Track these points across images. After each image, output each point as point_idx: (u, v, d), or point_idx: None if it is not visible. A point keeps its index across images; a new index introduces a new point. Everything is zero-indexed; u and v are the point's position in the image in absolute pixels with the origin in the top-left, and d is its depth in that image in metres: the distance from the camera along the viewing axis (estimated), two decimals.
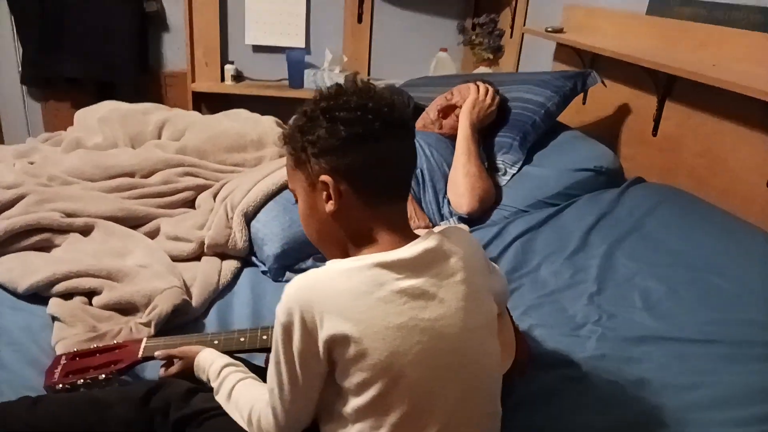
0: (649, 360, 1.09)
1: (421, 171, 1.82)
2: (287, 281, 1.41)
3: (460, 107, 1.94)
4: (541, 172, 1.86)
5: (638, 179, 1.76)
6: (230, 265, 1.48)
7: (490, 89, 1.95)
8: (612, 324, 1.20)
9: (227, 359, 1.01)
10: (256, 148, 1.89)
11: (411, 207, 1.68)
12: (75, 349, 1.11)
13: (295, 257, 1.52)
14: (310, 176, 0.85)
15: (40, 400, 0.98)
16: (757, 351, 1.03)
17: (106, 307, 1.25)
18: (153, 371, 1.12)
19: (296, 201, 0.92)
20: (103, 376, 1.05)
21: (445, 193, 1.81)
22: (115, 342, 1.12)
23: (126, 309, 1.26)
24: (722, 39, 1.66)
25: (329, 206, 0.83)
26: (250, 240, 1.54)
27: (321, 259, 1.50)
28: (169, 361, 1.07)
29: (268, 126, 1.98)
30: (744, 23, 1.63)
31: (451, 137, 1.94)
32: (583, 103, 2.33)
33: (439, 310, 0.79)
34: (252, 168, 1.83)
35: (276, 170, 1.68)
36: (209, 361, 1.01)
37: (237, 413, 0.92)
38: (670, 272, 1.29)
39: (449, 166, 1.85)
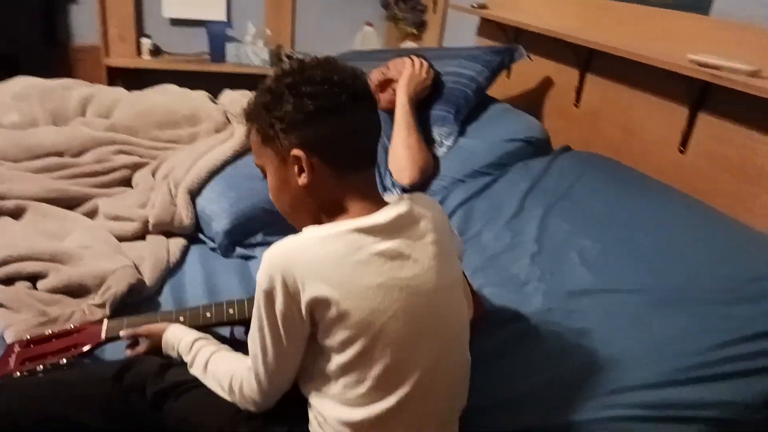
0: (590, 311, 1.19)
1: None
2: (239, 257, 1.43)
3: (396, 81, 1.98)
4: (474, 144, 1.93)
5: (566, 148, 1.88)
6: (178, 243, 1.46)
7: (425, 63, 2.00)
8: (554, 280, 1.30)
9: (197, 333, 1.01)
10: (190, 123, 1.85)
11: None
12: (27, 336, 1.07)
13: (244, 233, 1.52)
14: (280, 151, 0.86)
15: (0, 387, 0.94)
16: (685, 295, 1.16)
17: (54, 290, 1.21)
18: (113, 353, 1.10)
19: (264, 176, 0.93)
20: (65, 360, 1.02)
21: (387, 165, 1.85)
22: (71, 326, 1.09)
23: (76, 291, 1.22)
24: (639, 17, 1.80)
25: (302, 179, 0.85)
26: (196, 217, 1.52)
27: (270, 234, 1.53)
28: (134, 340, 1.06)
29: (200, 101, 1.93)
30: (659, 2, 1.76)
31: (388, 111, 1.98)
32: (508, 77, 2.43)
33: (414, 269, 0.84)
34: (188, 144, 1.79)
35: (217, 146, 1.66)
36: (178, 337, 1.00)
37: (215, 384, 0.93)
38: (601, 231, 1.40)
39: (389, 140, 1.89)
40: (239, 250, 1.49)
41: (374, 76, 2.03)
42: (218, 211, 1.50)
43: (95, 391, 0.94)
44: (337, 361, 0.82)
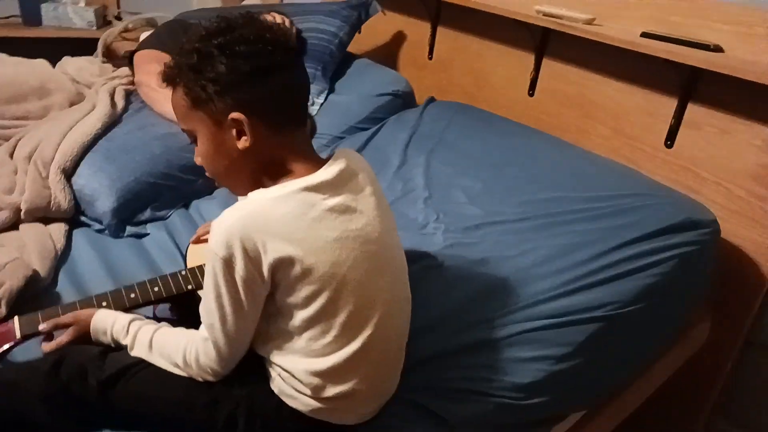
0: (485, 241, 1.34)
1: None
2: (130, 236, 1.37)
3: None
4: (346, 100, 1.98)
5: (432, 99, 2.01)
6: (59, 229, 1.35)
7: (286, 20, 1.98)
8: (449, 219, 1.42)
9: (130, 315, 0.97)
10: (39, 96, 1.66)
11: None
12: None
13: (131, 209, 1.44)
14: (214, 114, 0.85)
15: None
16: (559, 218, 1.35)
17: None
18: (22, 353, 1.01)
19: (192, 141, 0.91)
20: None
21: None
22: None
23: None
24: None
25: (242, 143, 0.85)
26: (75, 198, 1.40)
27: (159, 208, 1.47)
28: (49, 334, 0.99)
29: (46, 70, 1.75)
30: None
31: None
32: (359, 33, 2.49)
33: (362, 219, 0.89)
34: (40, 119, 1.62)
35: (81, 119, 1.52)
36: (110, 321, 0.96)
37: (165, 361, 0.91)
38: (479, 170, 1.55)
39: None
40: (129, 229, 1.41)
41: None
42: (100, 188, 1.40)
43: (32, 387, 0.88)
44: (301, 316, 0.86)
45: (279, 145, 0.88)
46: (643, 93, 1.60)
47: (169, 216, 1.49)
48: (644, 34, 1.49)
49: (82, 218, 1.42)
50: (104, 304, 1.02)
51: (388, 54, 2.36)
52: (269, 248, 0.81)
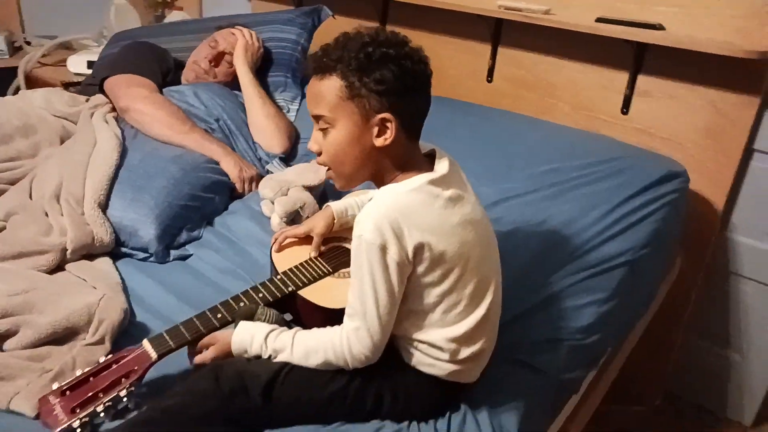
0: (509, 214, 1.49)
1: (225, 122, 1.84)
2: (175, 259, 1.39)
3: (229, 53, 1.98)
4: None
5: None
6: (108, 263, 1.34)
7: (253, 34, 2.03)
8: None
9: (264, 327, 1.03)
10: (25, 134, 1.59)
11: (235, 159, 1.72)
12: (53, 387, 0.95)
13: (171, 233, 1.45)
14: (365, 110, 0.94)
15: None
16: (566, 186, 1.53)
17: (35, 344, 1.04)
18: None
19: (324, 129, 0.98)
20: (124, 391, 0.96)
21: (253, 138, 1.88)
22: (99, 361, 0.99)
23: (63, 337, 1.07)
24: None
25: (381, 141, 0.96)
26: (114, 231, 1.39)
27: (192, 229, 1.51)
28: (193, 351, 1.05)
29: (22, 107, 1.66)
30: None
31: (227, 84, 1.98)
32: None
33: (469, 205, 1.03)
34: (35, 157, 1.55)
35: (91, 151, 1.50)
36: (248, 338, 1.02)
37: (313, 360, 0.99)
38: (475, 154, 1.71)
39: (244, 113, 1.91)
40: (173, 253, 1.43)
41: (203, 51, 1.99)
42: (139, 218, 1.40)
43: (209, 406, 0.92)
44: (435, 293, 0.98)
45: (406, 148, 0.99)
46: (598, 71, 1.85)
47: (202, 235, 1.51)
48: (599, 19, 1.74)
49: (123, 249, 1.40)
50: (219, 315, 1.07)
51: None
52: (411, 234, 0.93)
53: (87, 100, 1.80)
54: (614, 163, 1.59)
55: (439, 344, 1.00)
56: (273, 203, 1.54)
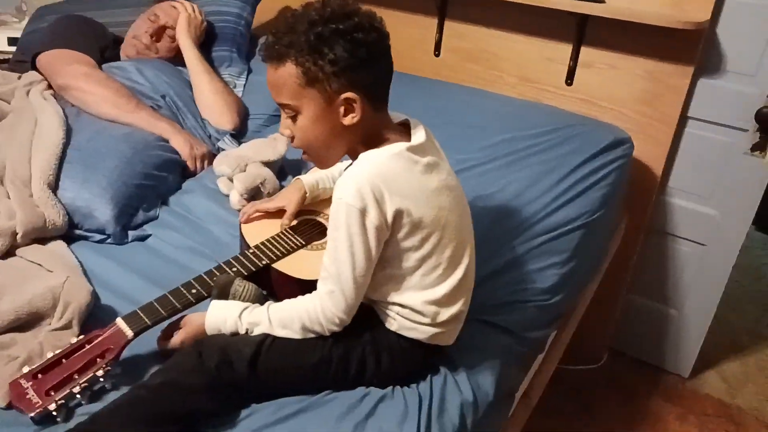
0: (467, 185, 1.49)
1: (171, 99, 1.77)
2: (134, 240, 1.35)
3: (171, 27, 1.90)
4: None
5: None
6: (62, 246, 1.27)
7: (195, 8, 1.95)
8: None
9: (237, 305, 1.03)
10: None
11: (185, 137, 1.67)
12: (23, 371, 0.91)
13: (128, 213, 1.40)
14: (326, 92, 0.93)
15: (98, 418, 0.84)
16: (520, 155, 1.58)
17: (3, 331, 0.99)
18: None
19: (289, 116, 0.97)
20: (101, 371, 0.93)
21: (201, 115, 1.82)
22: (71, 343, 0.95)
23: (26, 324, 1.01)
24: None
25: (349, 119, 0.95)
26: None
27: (147, 209, 1.47)
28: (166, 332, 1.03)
29: None
30: None
31: (169, 60, 1.91)
32: None
33: (444, 173, 1.04)
34: None
35: (34, 129, 1.41)
36: (222, 317, 1.01)
37: (288, 330, 0.99)
38: (438, 122, 1.74)
39: (190, 89, 1.84)
40: (131, 234, 1.37)
41: (143, 26, 1.90)
42: (93, 198, 1.33)
43: (196, 382, 0.91)
44: (414, 257, 0.99)
45: (377, 120, 0.99)
46: (542, 43, 1.91)
47: (158, 215, 1.46)
48: None
49: (77, 232, 1.33)
50: (193, 291, 1.05)
51: None
52: (391, 200, 0.94)
53: (19, 78, 1.69)
54: (564, 131, 1.66)
55: (419, 308, 1.02)
56: (231, 180, 1.51)
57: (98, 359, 0.94)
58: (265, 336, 0.99)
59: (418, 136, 1.02)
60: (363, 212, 0.92)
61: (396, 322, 1.04)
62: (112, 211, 1.34)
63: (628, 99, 1.81)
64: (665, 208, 1.94)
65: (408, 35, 2.15)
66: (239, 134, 1.85)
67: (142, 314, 1.00)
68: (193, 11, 1.93)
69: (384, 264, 1.00)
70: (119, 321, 0.99)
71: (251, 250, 1.15)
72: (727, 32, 1.68)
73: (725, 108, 1.74)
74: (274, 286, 1.15)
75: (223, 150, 1.76)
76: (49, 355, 0.94)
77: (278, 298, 1.08)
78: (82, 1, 2.17)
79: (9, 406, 0.91)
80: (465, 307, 1.08)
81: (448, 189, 1.03)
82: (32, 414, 0.88)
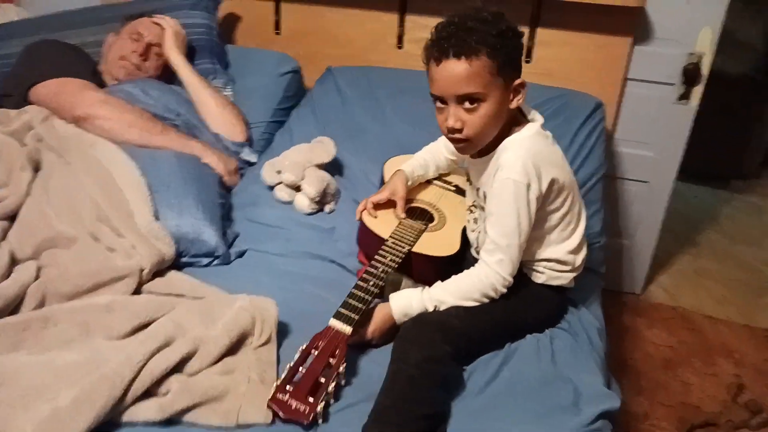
0: None
1: (185, 116, 1.74)
2: (236, 257, 1.38)
3: (156, 45, 1.84)
4: (255, 86, 2.04)
5: (329, 68, 2.20)
6: (181, 276, 1.25)
7: (171, 20, 1.90)
8: None
9: (415, 291, 1.15)
10: None
11: (216, 153, 1.67)
12: (273, 388, 0.96)
13: (224, 231, 1.40)
14: (508, 81, 1.09)
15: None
16: None
17: (217, 359, 0.99)
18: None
19: (472, 105, 1.09)
20: (340, 369, 1.00)
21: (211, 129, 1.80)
22: (301, 349, 1.02)
23: (236, 346, 1.03)
24: None
25: (515, 102, 1.13)
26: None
27: (229, 226, 1.48)
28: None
29: None
30: None
31: (158, 78, 1.85)
32: None
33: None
34: (13, 184, 1.33)
35: (99, 166, 1.35)
36: (407, 302, 1.14)
37: (470, 300, 1.14)
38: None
39: (190, 104, 1.81)
40: (232, 252, 1.38)
41: (128, 45, 1.82)
42: (198, 222, 1.32)
43: (443, 351, 1.04)
44: (556, 216, 1.19)
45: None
46: None
47: (238, 231, 1.48)
48: None
49: (184, 259, 1.31)
50: (372, 284, 1.14)
51: (238, 36, 2.39)
52: (546, 172, 1.13)
53: (17, 113, 1.55)
54: (554, 102, 1.93)
55: (563, 258, 1.22)
56: (294, 187, 1.57)
57: (331, 359, 1.01)
58: (456, 308, 1.12)
59: (538, 115, 1.20)
60: (528, 186, 1.10)
61: (544, 275, 1.23)
62: (217, 232, 1.34)
63: (580, 69, 2.13)
64: (614, 156, 2.32)
65: (371, 30, 2.28)
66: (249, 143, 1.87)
67: (346, 312, 1.07)
68: (176, 25, 1.88)
69: (533, 227, 1.18)
70: (333, 322, 1.06)
71: (391, 241, 1.25)
72: (656, 7, 2.06)
73: (657, 68, 2.14)
74: (414, 268, 1.27)
75: (246, 161, 1.78)
76: (275, 369, 1.01)
77: (415, 279, 1.22)
78: (38, 23, 1.98)
79: (273, 422, 0.95)
80: (586, 252, 1.30)
81: (563, 158, 1.24)
82: (307, 421, 0.93)
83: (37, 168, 1.37)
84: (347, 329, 1.05)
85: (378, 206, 1.38)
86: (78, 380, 0.88)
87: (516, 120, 1.18)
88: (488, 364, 1.11)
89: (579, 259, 1.25)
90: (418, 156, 1.47)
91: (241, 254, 1.40)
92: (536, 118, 1.20)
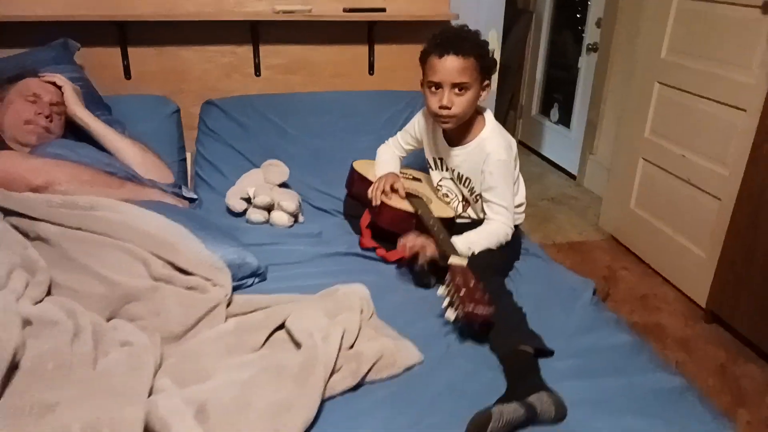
0: None
1: (120, 167, 1.73)
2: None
3: (55, 104, 1.76)
4: (148, 127, 2.04)
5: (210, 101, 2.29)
6: (250, 295, 1.36)
7: (61, 77, 1.82)
8: None
9: (459, 239, 1.49)
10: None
11: (171, 197, 1.74)
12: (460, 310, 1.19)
13: None
14: (482, 79, 1.51)
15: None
16: None
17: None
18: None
19: (462, 92, 1.48)
20: (480, 284, 1.24)
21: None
22: (453, 286, 1.24)
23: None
24: None
25: (484, 94, 1.55)
26: None
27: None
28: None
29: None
30: None
31: (64, 137, 1.79)
32: None
33: None
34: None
35: (122, 219, 1.36)
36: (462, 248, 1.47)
37: (493, 242, 1.53)
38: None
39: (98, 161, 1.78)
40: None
41: (28, 108, 1.72)
42: (237, 248, 1.42)
43: (500, 280, 1.43)
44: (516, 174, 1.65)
45: None
46: (347, 48, 2.53)
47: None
48: (345, 9, 2.40)
49: (234, 284, 1.39)
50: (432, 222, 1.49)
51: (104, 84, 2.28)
52: (513, 148, 1.59)
53: None
54: (411, 103, 2.38)
55: (519, 202, 1.68)
56: (265, 209, 1.73)
57: (472, 280, 1.24)
58: (488, 255, 1.50)
59: (482, 106, 1.64)
60: (510, 162, 1.55)
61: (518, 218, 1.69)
62: (251, 253, 1.46)
63: (411, 76, 2.61)
64: None
65: (228, 62, 2.43)
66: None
67: (450, 251, 1.37)
68: (68, 81, 1.82)
69: None
70: (453, 259, 1.32)
71: (421, 211, 1.57)
72: (463, 18, 2.65)
73: None
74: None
75: (189, 199, 1.85)
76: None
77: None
78: None
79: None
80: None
81: None
82: (488, 312, 1.17)
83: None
84: (464, 261, 1.33)
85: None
86: (295, 375, 1.04)
87: (478, 109, 1.60)
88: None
89: (523, 200, 1.73)
90: (386, 159, 1.80)
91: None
92: (486, 108, 1.63)
